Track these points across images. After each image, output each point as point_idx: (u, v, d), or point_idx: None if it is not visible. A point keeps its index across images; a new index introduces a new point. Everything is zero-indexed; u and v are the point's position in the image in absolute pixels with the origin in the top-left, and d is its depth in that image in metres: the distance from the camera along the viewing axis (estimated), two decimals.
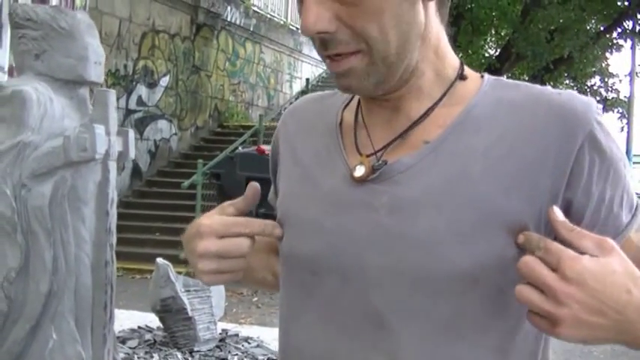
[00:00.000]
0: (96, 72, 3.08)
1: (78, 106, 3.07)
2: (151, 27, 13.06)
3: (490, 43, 15.39)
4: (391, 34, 1.00)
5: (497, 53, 14.14)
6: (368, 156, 1.08)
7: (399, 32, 1.01)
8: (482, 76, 1.13)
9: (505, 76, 13.94)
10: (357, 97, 1.18)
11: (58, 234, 2.91)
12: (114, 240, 3.09)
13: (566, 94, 1.07)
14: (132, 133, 3.25)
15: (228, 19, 15.40)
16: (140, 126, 12.80)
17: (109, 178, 3.06)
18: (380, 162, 1.06)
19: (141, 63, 12.86)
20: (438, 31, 1.09)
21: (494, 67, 12.70)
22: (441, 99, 1.08)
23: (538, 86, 1.09)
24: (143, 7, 12.86)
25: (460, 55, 13.57)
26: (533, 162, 1.02)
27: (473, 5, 12.02)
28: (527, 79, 13.87)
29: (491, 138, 1.04)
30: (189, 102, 14.32)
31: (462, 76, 1.10)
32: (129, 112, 12.54)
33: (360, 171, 1.07)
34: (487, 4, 12.16)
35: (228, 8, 15.35)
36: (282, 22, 18.83)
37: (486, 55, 14.84)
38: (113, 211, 3.09)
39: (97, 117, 3.00)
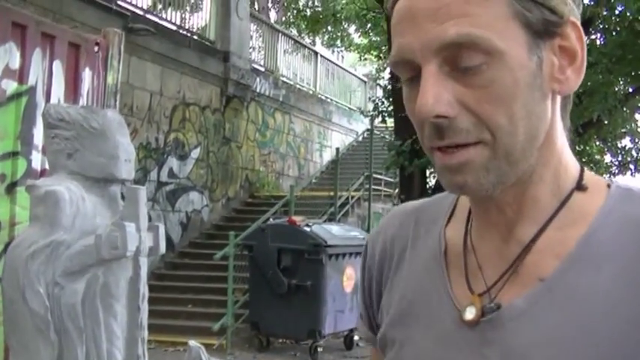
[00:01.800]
0: (126, 169, 3.16)
1: (109, 203, 3.15)
2: (182, 100, 13.26)
3: None
4: (520, 125, 0.88)
5: None
6: (480, 295, 0.97)
7: (528, 125, 0.89)
8: (608, 185, 0.98)
9: None
10: (460, 213, 1.06)
11: (91, 330, 2.97)
12: (145, 334, 3.13)
13: None
14: (162, 229, 3.32)
15: (258, 90, 15.60)
16: (172, 198, 12.92)
17: (139, 273, 3.11)
18: (493, 304, 0.95)
19: (172, 135, 13.03)
20: (562, 133, 0.97)
21: None
22: (554, 216, 0.95)
23: None
24: (173, 80, 13.08)
25: None
26: None
27: None
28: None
29: (615, 272, 0.90)
30: (220, 173, 14.45)
31: (580, 187, 0.97)
32: (160, 184, 12.67)
33: (470, 313, 0.96)
34: None
35: (258, 79, 15.56)
36: (310, 92, 19.03)
37: None
38: (144, 306, 3.14)
39: (127, 214, 3.08)
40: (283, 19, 24.47)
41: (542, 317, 0.91)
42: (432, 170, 11.00)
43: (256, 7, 21.08)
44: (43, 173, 5.25)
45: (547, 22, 0.90)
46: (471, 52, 0.86)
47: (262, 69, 16.54)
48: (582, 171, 0.99)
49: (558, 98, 0.95)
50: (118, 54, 6.21)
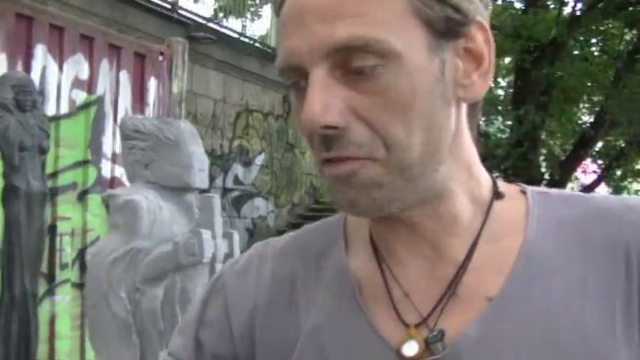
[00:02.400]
0: (200, 178, 3.26)
1: (185, 211, 3.25)
2: (245, 107, 13.40)
3: (583, 110, 15.23)
4: (418, 137, 0.78)
5: (591, 120, 13.99)
6: (417, 326, 0.83)
7: (428, 137, 0.79)
8: (522, 191, 0.91)
9: (600, 143, 13.77)
10: (357, 241, 0.91)
11: (170, 334, 3.06)
12: None
13: (637, 203, 0.88)
14: (237, 236, 3.41)
15: None
16: (237, 204, 13.07)
17: None
18: (436, 332, 0.82)
19: (236, 142, 13.17)
20: (471, 144, 0.87)
21: (588, 136, 12.54)
22: (482, 229, 0.86)
23: (592, 196, 0.91)
24: (236, 87, 13.22)
25: (553, 123, 13.51)
26: (623, 298, 0.82)
27: (563, 73, 11.95)
28: (623, 145, 13.62)
29: (565, 280, 0.83)
30: (285, 179, 14.56)
31: (498, 195, 0.88)
32: (226, 191, 12.82)
33: (411, 349, 0.82)
34: (577, 72, 12.07)
35: None
36: None
37: (579, 122, 14.67)
38: None
39: (203, 222, 3.17)
40: None
41: (502, 341, 0.81)
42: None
43: None
44: (112, 181, 5.41)
45: (450, 20, 0.80)
46: (364, 54, 0.76)
47: None
48: (495, 181, 0.90)
49: (465, 106, 0.85)
50: (182, 63, 6.35)
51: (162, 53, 5.96)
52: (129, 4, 9.58)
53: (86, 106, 5.14)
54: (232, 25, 14.01)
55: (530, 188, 0.92)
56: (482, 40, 0.83)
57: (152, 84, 5.84)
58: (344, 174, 0.78)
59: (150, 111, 5.77)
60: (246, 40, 13.83)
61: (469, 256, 0.85)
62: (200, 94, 12.26)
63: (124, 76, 5.51)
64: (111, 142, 5.29)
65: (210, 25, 12.64)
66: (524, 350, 0.80)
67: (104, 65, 5.24)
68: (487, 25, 0.84)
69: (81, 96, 5.13)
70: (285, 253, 0.95)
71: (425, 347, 0.81)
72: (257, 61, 13.54)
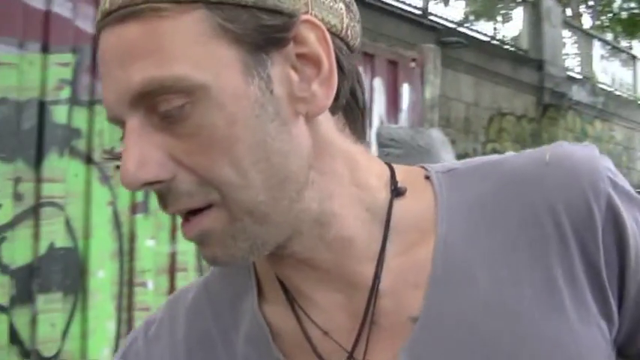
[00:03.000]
0: None
1: None
2: (497, 110, 13.25)
3: None
4: (254, 172, 0.69)
5: None
6: None
7: (268, 168, 0.70)
8: (426, 177, 0.81)
9: None
10: (270, 285, 0.83)
11: None
12: None
13: (554, 157, 0.78)
14: None
15: (574, 98, 15.17)
16: None
17: None
18: None
19: (489, 146, 13.05)
20: (347, 149, 0.77)
21: None
22: (384, 244, 0.76)
23: (502, 161, 0.80)
24: (488, 91, 13.10)
25: None
26: (563, 266, 0.74)
27: None
28: None
29: (494, 272, 0.74)
30: None
31: (398, 192, 0.78)
32: None
33: None
34: None
35: (574, 87, 15.14)
36: (631, 98, 18.16)
37: None
38: None
39: None
40: (597, 23, 23.58)
41: None
42: None
43: (568, 13, 20.50)
44: None
45: (266, 28, 0.69)
46: (166, 96, 0.68)
47: (578, 76, 16.05)
48: (393, 171, 0.80)
49: (326, 114, 0.74)
50: (434, 69, 6.39)
51: (414, 60, 6.04)
52: (382, 12, 9.79)
53: None
54: (483, 28, 13.90)
55: (434, 170, 0.81)
56: (315, 40, 0.71)
57: (405, 90, 5.94)
58: (195, 237, 0.72)
59: (403, 116, 5.87)
60: (497, 42, 13.67)
61: (377, 277, 0.75)
62: (452, 98, 12.28)
63: (378, 83, 5.64)
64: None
65: (461, 29, 12.63)
66: None
67: None
68: (320, 21, 0.72)
69: None
70: (197, 307, 0.86)
71: None
72: (508, 64, 13.35)
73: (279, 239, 0.73)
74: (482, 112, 12.98)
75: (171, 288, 4.08)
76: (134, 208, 3.93)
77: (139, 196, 3.92)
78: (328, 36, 0.72)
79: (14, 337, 3.45)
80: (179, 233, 3.96)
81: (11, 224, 3.42)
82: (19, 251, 3.46)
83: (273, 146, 0.70)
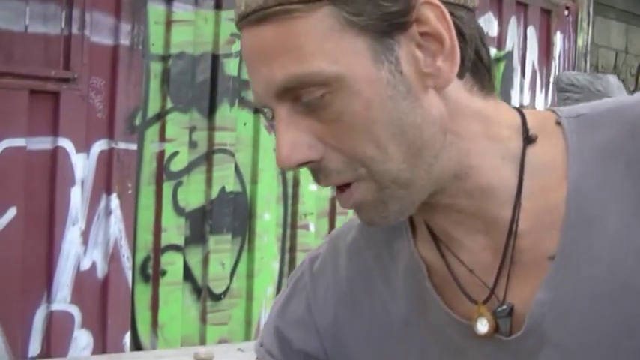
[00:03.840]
0: None
1: None
2: None
3: None
4: (392, 146, 0.76)
5: None
6: (485, 301, 0.83)
7: (404, 141, 0.77)
8: (557, 122, 0.84)
9: None
10: (420, 227, 0.90)
11: None
12: None
13: None
14: None
15: None
16: None
17: None
18: (505, 306, 0.82)
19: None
20: (480, 108, 0.82)
21: None
22: (520, 187, 0.81)
23: (624, 106, 0.82)
24: (638, 37, 12.63)
25: None
26: None
27: None
28: None
29: (623, 216, 0.78)
30: None
31: (529, 140, 0.82)
32: None
33: (483, 325, 0.82)
34: None
35: None
36: None
37: None
38: None
39: None
40: None
41: (574, 297, 0.78)
42: None
43: None
44: None
45: (389, 15, 0.74)
46: (307, 89, 0.75)
47: None
48: (524, 118, 0.83)
49: (455, 81, 0.79)
50: (587, 16, 6.30)
51: (567, 8, 5.97)
52: None
53: (496, 61, 5.34)
54: None
55: (564, 115, 0.84)
56: (435, 18, 0.76)
57: (558, 38, 5.89)
58: (349, 206, 0.79)
59: (555, 65, 5.83)
60: None
61: (514, 220, 0.81)
62: (601, 46, 11.92)
63: (531, 32, 5.62)
64: (518, 95, 5.45)
65: None
66: (600, 301, 0.77)
67: (512, 22, 5.39)
68: (437, 1, 0.76)
69: (491, 52, 5.35)
70: (357, 247, 0.95)
71: (494, 322, 0.81)
72: None
73: (424, 197, 0.80)
74: (632, 59, 12.55)
75: (331, 230, 4.27)
76: None
77: None
78: (447, 13, 0.76)
79: (188, 274, 3.73)
80: None
81: (186, 170, 3.68)
82: (193, 195, 3.72)
83: (408, 121, 0.76)
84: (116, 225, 3.42)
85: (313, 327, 0.97)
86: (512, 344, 0.81)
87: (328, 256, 0.98)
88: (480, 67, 0.82)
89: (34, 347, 3.20)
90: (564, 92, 3.49)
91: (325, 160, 0.76)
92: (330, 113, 0.75)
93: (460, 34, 0.78)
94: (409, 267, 0.89)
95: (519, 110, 0.85)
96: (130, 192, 3.47)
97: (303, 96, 0.75)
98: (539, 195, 0.81)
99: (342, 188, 0.78)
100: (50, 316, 3.25)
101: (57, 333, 3.25)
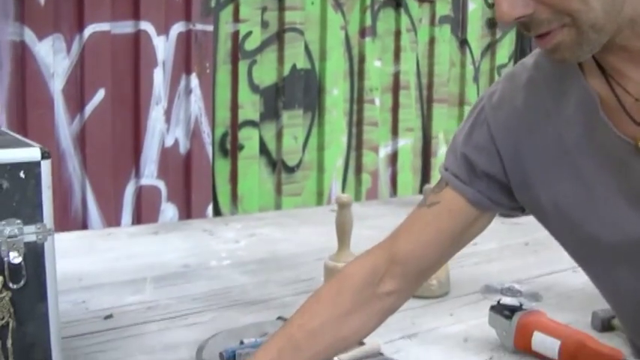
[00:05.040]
0: None
1: None
2: None
3: None
4: (594, 1, 0.89)
5: None
6: None
7: None
8: None
9: None
10: (590, 61, 1.03)
11: None
12: None
13: None
14: None
15: None
16: None
17: None
18: None
19: None
20: None
21: None
22: None
23: None
24: None
25: None
26: None
27: None
28: None
29: None
30: None
31: None
32: None
33: None
34: None
35: None
36: None
37: None
38: None
39: None
40: None
41: None
42: None
43: None
44: None
45: None
46: None
47: None
48: None
49: None
50: None
51: None
52: None
53: None
54: None
55: None
56: None
57: None
58: (549, 47, 0.93)
59: None
60: None
61: None
62: None
63: None
64: None
65: None
66: None
67: None
68: None
69: None
70: (533, 84, 1.10)
71: None
72: None
73: (604, 41, 0.93)
74: None
75: (395, 104, 4.41)
76: (363, 32, 4.22)
77: (367, 20, 4.20)
78: None
79: (263, 148, 3.91)
80: (402, 54, 4.24)
81: (259, 49, 3.81)
82: (266, 73, 3.86)
83: None
84: (196, 103, 3.59)
85: (495, 152, 1.13)
86: None
87: (506, 91, 1.14)
88: None
89: (126, 219, 3.45)
90: None
91: (536, 14, 0.90)
92: None
93: None
94: (581, 99, 1.03)
95: None
96: (207, 71, 3.62)
97: None
98: None
99: (542, 35, 0.92)
100: (139, 191, 3.48)
101: (146, 206, 3.49)
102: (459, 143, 1.18)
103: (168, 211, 3.57)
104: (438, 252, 1.19)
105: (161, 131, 3.51)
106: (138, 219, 3.47)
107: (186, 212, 3.61)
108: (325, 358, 1.17)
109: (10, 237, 1.24)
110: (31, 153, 1.29)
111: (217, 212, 3.75)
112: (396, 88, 4.42)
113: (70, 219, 3.26)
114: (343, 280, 1.20)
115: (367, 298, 1.17)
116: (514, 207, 1.18)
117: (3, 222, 1.24)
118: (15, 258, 1.24)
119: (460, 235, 1.18)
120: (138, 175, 3.47)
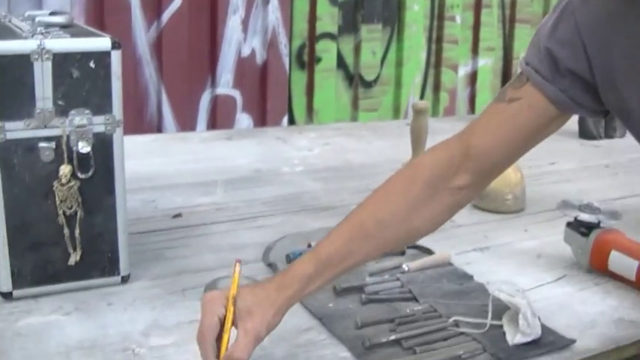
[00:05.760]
0: None
1: None
2: None
3: None
4: None
5: None
6: None
7: None
8: None
9: None
10: None
11: None
12: None
13: None
14: None
15: None
16: None
17: None
18: None
19: None
20: None
21: None
22: None
23: None
24: None
25: None
26: None
27: None
28: None
29: None
30: None
31: None
32: None
33: None
34: None
35: None
36: None
37: None
38: None
39: None
40: None
41: None
42: None
43: None
44: None
45: None
46: None
47: None
48: None
49: None
50: None
51: None
52: None
53: None
54: None
55: None
56: None
57: None
58: None
59: None
60: None
61: None
62: None
63: None
64: None
65: None
66: None
67: None
68: None
69: None
70: None
71: None
72: None
73: None
74: None
75: (476, 22, 4.29)
76: None
77: None
78: None
79: (341, 62, 3.86)
80: None
81: None
82: None
83: None
84: (273, 13, 3.54)
85: (581, 47, 1.07)
86: None
87: None
88: None
89: (201, 127, 3.46)
90: None
91: None
92: None
93: None
94: None
95: None
96: None
97: None
98: None
99: None
100: (215, 100, 3.48)
101: (221, 115, 3.49)
102: (542, 36, 1.12)
103: (243, 120, 3.57)
104: (512, 149, 1.15)
105: (238, 41, 3.47)
106: (212, 128, 3.48)
107: (261, 123, 3.60)
108: (394, 248, 1.17)
109: (79, 126, 1.24)
110: (101, 43, 1.28)
111: (292, 124, 3.73)
112: (477, 5, 4.28)
113: (145, 123, 3.29)
114: (416, 170, 1.18)
115: (439, 191, 1.14)
116: (595, 109, 1.13)
117: (72, 111, 1.24)
118: (84, 147, 1.24)
119: (535, 134, 1.14)
120: (214, 84, 3.46)
